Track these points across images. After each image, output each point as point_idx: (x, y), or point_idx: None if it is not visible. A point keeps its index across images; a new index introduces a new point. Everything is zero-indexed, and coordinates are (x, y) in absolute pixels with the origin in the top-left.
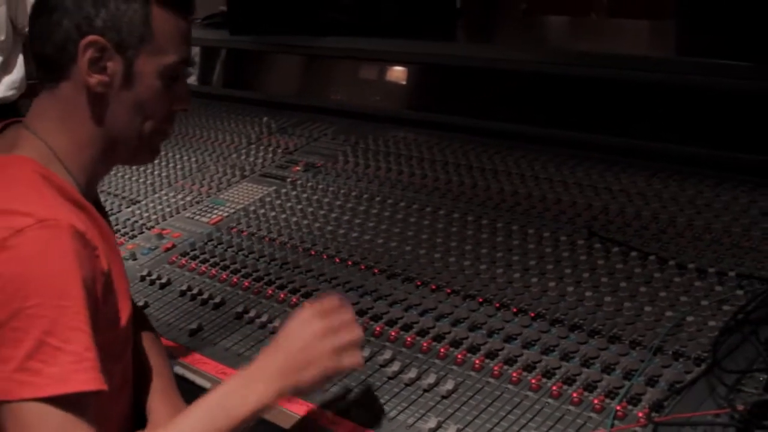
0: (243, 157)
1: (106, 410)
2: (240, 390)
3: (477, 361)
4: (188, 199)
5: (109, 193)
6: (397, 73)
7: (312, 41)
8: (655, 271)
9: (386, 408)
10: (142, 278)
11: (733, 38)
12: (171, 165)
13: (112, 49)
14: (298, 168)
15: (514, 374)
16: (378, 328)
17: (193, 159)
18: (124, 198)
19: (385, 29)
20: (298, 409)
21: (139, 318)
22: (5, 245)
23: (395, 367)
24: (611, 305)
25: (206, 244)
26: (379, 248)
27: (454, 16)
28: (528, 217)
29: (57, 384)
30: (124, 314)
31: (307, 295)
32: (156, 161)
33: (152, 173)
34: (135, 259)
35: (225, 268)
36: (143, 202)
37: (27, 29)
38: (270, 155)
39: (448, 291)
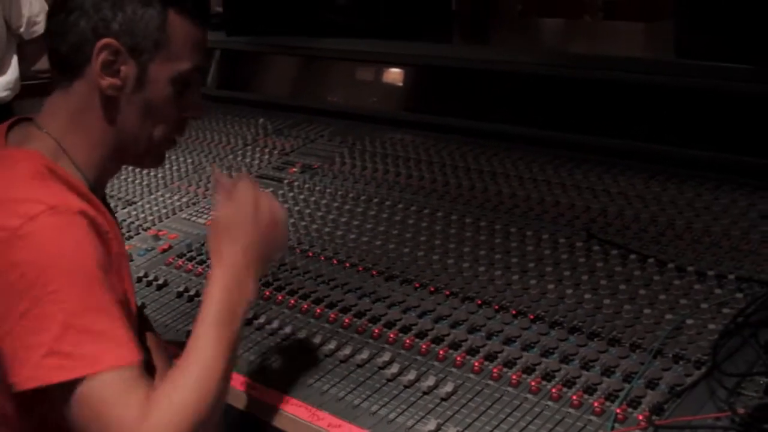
0: (239, 159)
1: None
2: (235, 293)
3: (476, 364)
4: (184, 200)
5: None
6: (394, 74)
7: (308, 42)
8: (655, 273)
9: (385, 410)
10: (139, 279)
11: (733, 41)
12: (167, 166)
13: (127, 53)
14: (294, 169)
15: (514, 377)
16: (377, 330)
17: (190, 160)
18: (120, 199)
19: (382, 30)
20: (297, 411)
21: (141, 318)
22: (19, 233)
23: (394, 369)
24: (611, 308)
25: (203, 245)
26: (377, 250)
27: (450, 18)
28: (526, 219)
29: (90, 364)
30: (133, 300)
31: (305, 297)
32: None
33: (148, 174)
34: (131, 261)
35: None
36: (139, 203)
37: (21, 29)
38: (266, 157)
39: (447, 293)
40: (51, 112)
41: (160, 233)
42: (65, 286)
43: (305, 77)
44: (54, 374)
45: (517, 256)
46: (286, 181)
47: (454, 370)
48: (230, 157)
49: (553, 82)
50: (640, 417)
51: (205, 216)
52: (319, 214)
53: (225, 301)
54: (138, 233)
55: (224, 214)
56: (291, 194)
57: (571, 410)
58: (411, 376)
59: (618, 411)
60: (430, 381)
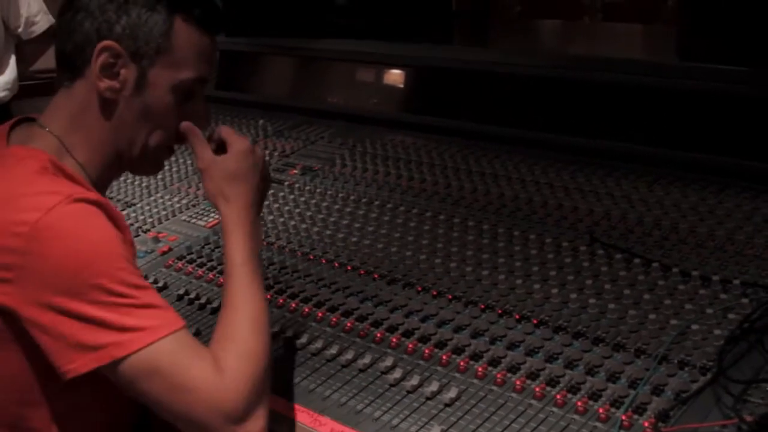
0: None
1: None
2: (253, 239)
3: (480, 369)
4: (184, 202)
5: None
6: (395, 75)
7: (308, 43)
8: (659, 278)
9: (388, 416)
10: None
11: (738, 43)
12: (166, 167)
13: (128, 57)
14: (295, 171)
15: (518, 382)
16: (379, 334)
17: (189, 162)
18: (119, 201)
19: (382, 32)
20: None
21: None
22: (39, 225)
23: (397, 374)
24: (615, 312)
25: (203, 247)
26: (378, 253)
27: (450, 18)
28: (529, 222)
29: (150, 333)
30: None
31: (306, 300)
32: None
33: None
34: None
35: (222, 272)
36: (138, 205)
37: (20, 30)
38: (267, 158)
39: (450, 297)
40: (53, 112)
41: (160, 235)
42: (103, 271)
43: (305, 78)
44: (116, 351)
45: (521, 259)
46: (286, 183)
47: (457, 375)
48: None
49: (555, 84)
50: (646, 424)
51: (206, 218)
52: (320, 216)
53: (246, 242)
54: (137, 235)
55: (224, 159)
56: (291, 196)
57: (576, 416)
58: (414, 381)
59: (624, 417)
60: (434, 386)
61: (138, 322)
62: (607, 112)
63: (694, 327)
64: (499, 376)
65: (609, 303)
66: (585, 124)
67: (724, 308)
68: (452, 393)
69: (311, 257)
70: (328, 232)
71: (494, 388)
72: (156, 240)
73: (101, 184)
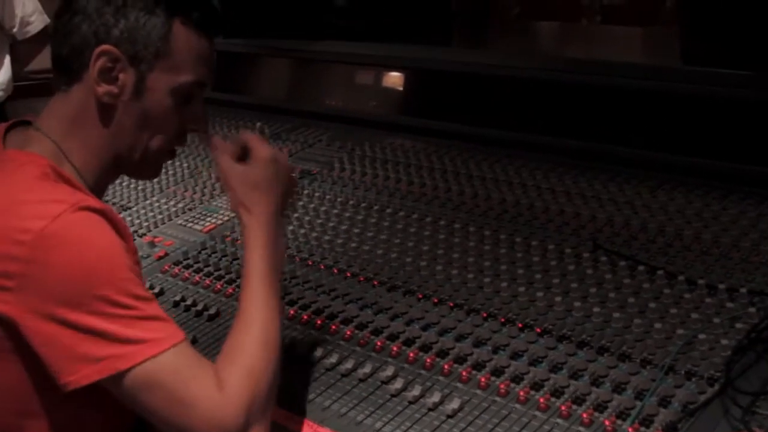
0: None
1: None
2: (273, 252)
3: (483, 379)
4: (180, 206)
5: None
6: (393, 78)
7: (306, 45)
8: (664, 286)
9: (389, 427)
10: None
11: (742, 47)
12: (163, 170)
13: (126, 61)
14: (293, 175)
15: (522, 393)
16: (379, 343)
17: (185, 165)
18: (114, 204)
19: (380, 33)
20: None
21: None
22: (45, 233)
23: (398, 384)
24: (620, 321)
25: (200, 252)
26: (378, 259)
27: (449, 19)
28: (531, 228)
29: (152, 346)
30: None
31: (305, 307)
32: None
33: None
34: None
35: (220, 278)
36: (134, 209)
37: (14, 30)
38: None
39: (451, 305)
40: (50, 116)
41: (156, 240)
42: (107, 281)
43: (303, 80)
44: (118, 363)
45: (523, 266)
46: None
47: (459, 385)
48: None
49: (558, 87)
50: None
51: (202, 222)
52: (319, 221)
53: (265, 255)
54: (133, 239)
55: (245, 168)
56: (289, 200)
57: (581, 428)
58: (416, 391)
59: (630, 430)
60: (436, 397)
61: (141, 335)
62: (609, 116)
63: (701, 337)
64: (502, 386)
65: (614, 311)
66: (587, 127)
67: (731, 317)
68: (454, 404)
69: (310, 263)
70: (327, 237)
71: (497, 398)
72: (152, 245)
73: (98, 189)
